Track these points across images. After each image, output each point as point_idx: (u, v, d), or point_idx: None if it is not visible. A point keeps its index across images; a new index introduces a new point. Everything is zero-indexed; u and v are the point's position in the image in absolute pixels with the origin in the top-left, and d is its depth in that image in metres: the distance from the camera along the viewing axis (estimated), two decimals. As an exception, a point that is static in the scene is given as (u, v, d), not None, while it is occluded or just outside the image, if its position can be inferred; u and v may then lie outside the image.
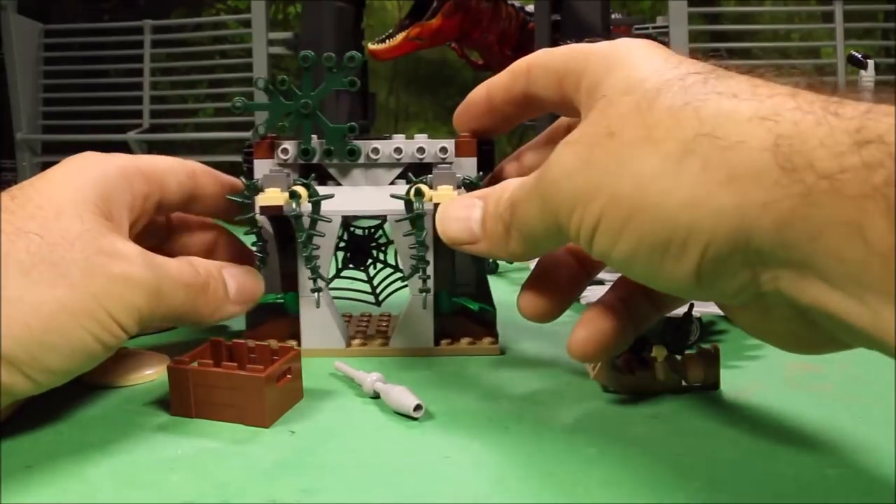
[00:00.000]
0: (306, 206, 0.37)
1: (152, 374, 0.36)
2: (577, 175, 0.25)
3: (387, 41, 0.78)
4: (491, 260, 0.60)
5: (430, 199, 0.36)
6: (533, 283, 0.33)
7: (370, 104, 0.93)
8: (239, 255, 0.41)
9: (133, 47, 1.09)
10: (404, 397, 0.32)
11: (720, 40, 1.05)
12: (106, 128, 1.07)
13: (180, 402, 0.32)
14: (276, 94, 0.37)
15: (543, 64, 0.31)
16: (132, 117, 1.08)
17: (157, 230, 0.40)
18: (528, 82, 0.32)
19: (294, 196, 0.35)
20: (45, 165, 1.07)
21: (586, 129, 0.26)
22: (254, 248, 0.39)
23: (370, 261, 0.44)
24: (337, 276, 0.44)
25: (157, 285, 0.31)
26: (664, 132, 0.23)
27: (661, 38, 0.98)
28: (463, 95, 0.36)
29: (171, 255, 0.34)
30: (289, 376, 0.32)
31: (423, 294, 0.38)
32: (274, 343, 0.36)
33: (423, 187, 0.36)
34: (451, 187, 0.36)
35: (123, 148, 1.03)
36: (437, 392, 0.34)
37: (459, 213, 0.31)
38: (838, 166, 0.19)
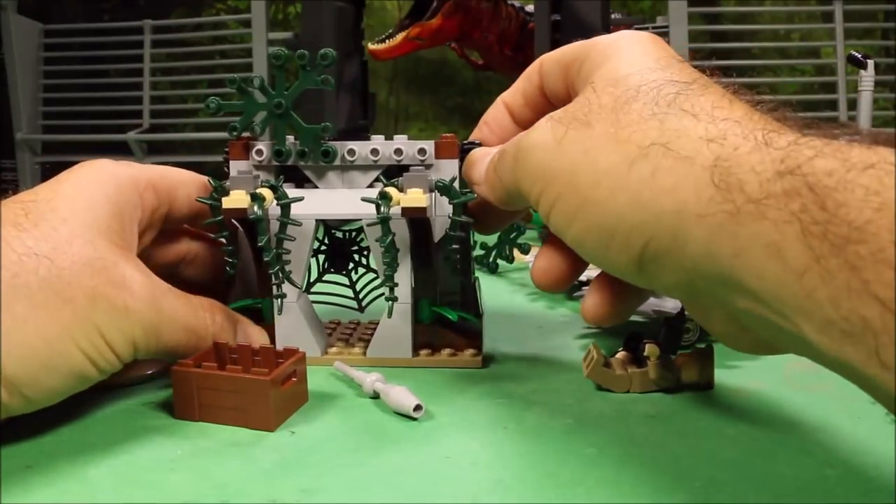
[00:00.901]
0: (276, 210, 0.36)
1: (151, 373, 0.36)
2: (548, 151, 0.28)
3: (387, 41, 0.78)
4: (490, 259, 0.60)
5: (398, 203, 0.34)
6: (545, 252, 0.33)
7: (370, 104, 0.93)
8: (218, 268, 0.40)
9: (133, 47, 1.09)
10: (404, 397, 0.32)
11: (720, 40, 1.05)
12: (106, 128, 1.07)
13: (185, 405, 0.31)
14: (248, 93, 0.36)
15: (554, 57, 0.33)
16: (132, 117, 1.08)
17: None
18: (540, 77, 0.33)
19: (256, 199, 0.34)
20: (45, 165, 1.08)
21: (569, 111, 0.28)
22: (224, 254, 0.38)
23: (352, 265, 0.43)
24: (318, 280, 0.43)
25: (156, 324, 0.31)
26: (628, 135, 0.26)
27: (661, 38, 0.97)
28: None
29: (147, 259, 0.34)
30: (294, 379, 0.32)
31: (391, 303, 0.37)
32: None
33: (391, 190, 0.34)
34: (422, 190, 0.34)
35: (123, 148, 1.03)
36: (437, 392, 0.34)
37: (480, 157, 0.34)
38: (764, 192, 0.21)
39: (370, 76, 0.94)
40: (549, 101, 0.34)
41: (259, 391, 0.30)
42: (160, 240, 0.38)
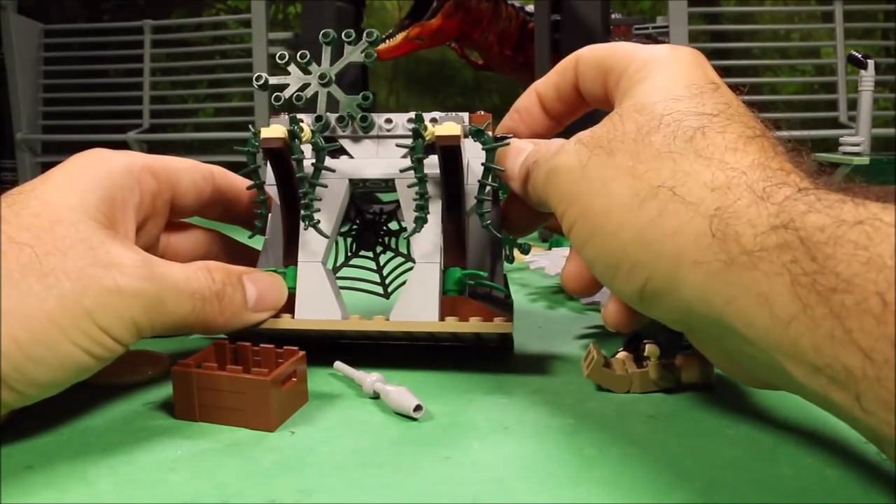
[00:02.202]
0: (310, 156, 0.36)
1: (151, 374, 0.36)
2: (572, 175, 0.29)
3: (387, 41, 0.78)
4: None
5: (433, 135, 0.34)
6: (575, 256, 0.35)
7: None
8: (237, 260, 0.40)
9: (133, 47, 1.09)
10: (404, 398, 0.32)
11: (720, 40, 1.05)
12: (106, 128, 1.07)
13: (185, 405, 0.31)
14: (300, 64, 0.38)
15: (590, 58, 0.33)
16: (132, 117, 1.08)
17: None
18: (576, 76, 0.34)
19: (294, 134, 0.35)
20: (45, 165, 1.08)
21: (596, 135, 0.29)
22: (256, 211, 0.38)
23: (380, 249, 0.43)
24: (346, 263, 0.43)
25: (156, 296, 0.30)
26: (643, 171, 0.27)
27: (661, 38, 0.98)
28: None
29: (162, 257, 0.33)
30: (294, 379, 0.32)
31: (420, 221, 0.36)
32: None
33: (424, 117, 0.35)
34: (458, 126, 0.34)
35: (123, 148, 1.03)
36: (437, 392, 0.34)
37: (516, 149, 0.35)
38: (758, 245, 0.23)
39: (370, 76, 0.94)
40: (583, 99, 0.35)
41: (259, 391, 0.30)
42: (173, 238, 0.38)
